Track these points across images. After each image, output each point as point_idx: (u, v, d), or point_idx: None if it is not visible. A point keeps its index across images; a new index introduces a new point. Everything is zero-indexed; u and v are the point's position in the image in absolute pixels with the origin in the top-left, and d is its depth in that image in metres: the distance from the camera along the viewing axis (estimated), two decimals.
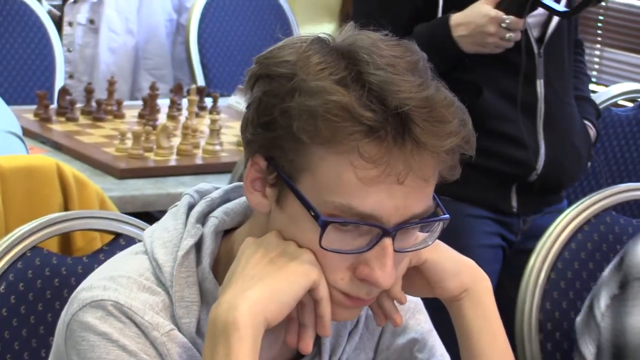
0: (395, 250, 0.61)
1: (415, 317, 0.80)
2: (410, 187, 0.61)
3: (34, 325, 0.96)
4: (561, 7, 1.24)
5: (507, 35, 1.18)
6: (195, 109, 1.83)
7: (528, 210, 1.32)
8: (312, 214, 0.61)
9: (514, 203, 1.29)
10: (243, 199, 0.72)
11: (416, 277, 0.71)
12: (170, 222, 0.75)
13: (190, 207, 0.74)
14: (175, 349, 0.70)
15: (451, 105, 0.61)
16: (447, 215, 0.65)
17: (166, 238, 0.73)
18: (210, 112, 1.84)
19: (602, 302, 1.03)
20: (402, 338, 0.80)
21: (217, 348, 0.63)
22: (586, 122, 1.38)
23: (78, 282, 0.73)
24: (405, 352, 0.80)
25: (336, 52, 0.63)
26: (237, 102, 1.91)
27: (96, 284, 0.70)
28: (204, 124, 1.79)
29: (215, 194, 0.75)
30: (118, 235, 1.02)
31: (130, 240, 0.98)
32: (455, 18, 1.19)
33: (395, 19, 1.19)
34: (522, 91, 1.27)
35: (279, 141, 0.63)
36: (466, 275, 0.74)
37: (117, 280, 0.69)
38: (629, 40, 2.09)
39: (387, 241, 0.61)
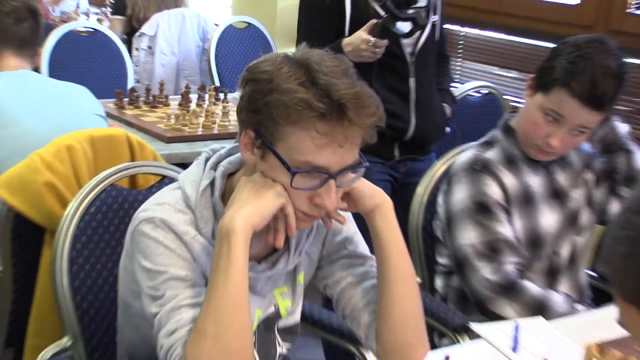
0: (337, 186, 0.90)
1: (347, 224, 1.07)
2: (346, 149, 0.89)
3: (113, 233, 1.24)
4: (403, 31, 1.68)
5: (375, 50, 1.65)
6: (213, 100, 2.53)
7: (405, 158, 1.84)
8: (286, 167, 0.88)
9: (396, 154, 1.82)
10: (240, 154, 0.98)
11: (347, 199, 0.98)
12: (194, 169, 1.03)
13: (207, 159, 1.03)
14: (198, 247, 0.98)
15: (370, 96, 0.90)
16: (367, 164, 0.94)
17: (192, 179, 1.01)
18: (222, 102, 2.50)
19: (440, 199, 1.42)
20: (338, 237, 1.11)
21: (222, 246, 0.89)
22: (444, 104, 1.91)
23: (138, 207, 1.02)
24: (340, 246, 1.11)
25: (297, 64, 0.89)
26: (239, 95, 2.86)
27: (149, 208, 0.99)
28: (219, 109, 2.43)
29: (223, 151, 1.04)
30: (164, 177, 1.32)
31: (172, 180, 1.23)
32: (344, 40, 1.69)
33: (325, 39, 1.63)
34: (399, 85, 1.80)
35: (262, 121, 0.89)
36: (377, 197, 1.01)
37: (162, 205, 0.98)
38: (480, 56, 3.11)
39: (332, 182, 0.90)
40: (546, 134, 1.28)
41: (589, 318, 1.31)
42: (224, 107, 2.34)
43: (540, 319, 1.24)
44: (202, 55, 3.13)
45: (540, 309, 1.28)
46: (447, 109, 1.93)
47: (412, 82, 1.82)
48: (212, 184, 0.98)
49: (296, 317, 1.10)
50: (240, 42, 3.07)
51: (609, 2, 2.45)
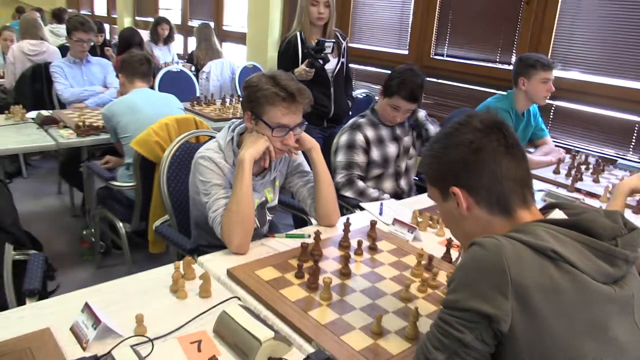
0: (293, 135, 1.76)
1: (298, 157, 1.98)
2: (296, 115, 1.75)
3: (186, 164, 2.21)
4: (318, 65, 2.98)
5: (308, 74, 2.91)
6: (235, 102, 4.09)
7: (331, 126, 3.14)
8: (269, 127, 1.71)
9: (325, 124, 3.15)
10: (245, 124, 1.79)
11: (298, 142, 1.80)
12: (224, 132, 1.88)
13: (229, 127, 1.90)
14: (226, 169, 1.81)
15: (305, 90, 1.76)
16: (306, 123, 1.82)
17: (223, 136, 1.83)
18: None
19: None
20: (295, 163, 2.00)
21: (239, 168, 1.67)
22: (348, 100, 3.23)
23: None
24: (296, 167, 1.99)
25: (271, 77, 1.76)
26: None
27: (202, 151, 1.81)
28: (239, 106, 3.87)
29: (237, 122, 1.86)
30: (211, 137, 2.33)
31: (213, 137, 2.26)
32: (295, 70, 2.94)
33: (289, 66, 2.92)
34: (326, 91, 3.13)
35: (255, 106, 1.75)
36: (313, 142, 1.86)
37: (208, 150, 1.79)
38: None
39: (291, 132, 1.73)
40: (393, 115, 2.47)
41: (417, 199, 2.36)
42: (239, 105, 3.87)
43: (392, 200, 2.31)
44: (232, 81, 5.08)
45: (362, 195, 2.46)
46: (349, 103, 3.42)
47: (332, 90, 3.26)
48: (232, 139, 1.86)
49: (275, 202, 2.07)
50: (249, 74, 5.56)
51: (422, 53, 4.42)
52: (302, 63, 3.07)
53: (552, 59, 3.22)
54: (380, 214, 2.15)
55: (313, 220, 2.31)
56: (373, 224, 1.88)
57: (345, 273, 1.58)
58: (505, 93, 3.14)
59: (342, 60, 3.29)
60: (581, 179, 2.76)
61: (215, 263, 1.63)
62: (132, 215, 2.72)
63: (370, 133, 2.54)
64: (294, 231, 1.90)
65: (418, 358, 1.01)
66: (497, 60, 4.04)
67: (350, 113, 3.38)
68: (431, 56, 4.49)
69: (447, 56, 4.37)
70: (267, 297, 1.43)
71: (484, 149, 1.07)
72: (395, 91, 2.42)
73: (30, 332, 1.21)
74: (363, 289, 1.52)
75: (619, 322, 0.94)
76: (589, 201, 2.46)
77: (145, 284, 1.49)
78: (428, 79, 4.46)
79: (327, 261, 1.67)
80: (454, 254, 1.78)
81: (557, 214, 1.09)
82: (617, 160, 3.24)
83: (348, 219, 1.83)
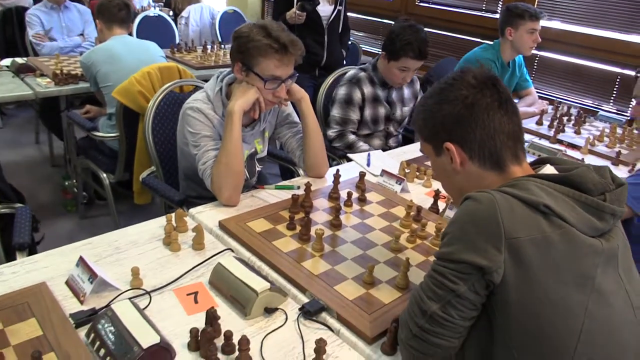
0: (285, 86, 1.73)
1: (287, 108, 1.96)
2: (288, 67, 1.71)
3: (171, 114, 2.20)
4: (309, 8, 2.96)
5: (299, 17, 2.86)
6: (216, 49, 3.97)
7: (322, 75, 3.00)
8: (261, 78, 1.66)
9: (316, 72, 3.10)
10: (233, 74, 1.75)
11: (289, 93, 1.80)
12: (212, 82, 1.84)
13: (218, 77, 1.85)
14: (215, 120, 1.78)
15: (298, 41, 1.71)
16: (297, 74, 1.78)
17: (211, 86, 1.83)
18: (222, 50, 3.99)
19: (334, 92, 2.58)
20: (284, 113, 1.98)
21: (229, 119, 1.64)
22: (343, 49, 3.19)
23: (183, 103, 1.98)
24: (286, 118, 1.97)
25: (260, 27, 1.71)
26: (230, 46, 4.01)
27: (190, 101, 1.77)
28: (221, 53, 3.88)
29: (225, 72, 1.85)
30: (196, 87, 2.28)
31: (201, 87, 2.23)
32: (287, 13, 2.94)
33: (283, 9, 2.93)
34: (319, 38, 3.08)
35: (246, 57, 1.70)
36: (302, 93, 1.84)
37: (196, 100, 1.78)
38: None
39: (283, 84, 1.72)
40: (403, 77, 2.41)
41: (404, 150, 2.38)
42: (223, 53, 3.79)
43: (380, 151, 2.31)
44: (212, 27, 4.91)
45: (351, 148, 2.48)
46: (343, 53, 3.42)
47: (326, 37, 3.13)
48: (221, 89, 1.80)
49: (265, 153, 2.05)
50: (229, 19, 4.96)
51: (407, 0, 4.46)
52: (296, 5, 3.03)
53: (538, 8, 3.18)
54: (368, 165, 2.16)
55: (301, 171, 2.31)
56: (362, 175, 1.88)
57: (335, 224, 1.60)
58: (491, 43, 3.10)
59: (338, 7, 3.22)
60: (563, 131, 2.79)
61: (206, 215, 1.63)
62: (116, 166, 2.68)
63: (367, 90, 2.51)
64: (283, 182, 1.90)
65: (411, 308, 1.04)
66: (483, 8, 3.98)
67: (345, 63, 3.36)
68: (417, 3, 4.39)
69: (433, 3, 4.29)
70: (260, 248, 1.44)
71: (478, 104, 1.07)
72: (402, 53, 2.36)
73: (26, 286, 1.21)
74: (354, 240, 1.54)
75: (604, 273, 0.97)
76: (571, 152, 2.50)
77: (136, 237, 1.48)
78: None
79: (317, 212, 1.67)
80: (441, 205, 1.80)
81: (549, 169, 1.10)
82: (597, 112, 3.28)
83: (338, 170, 1.83)
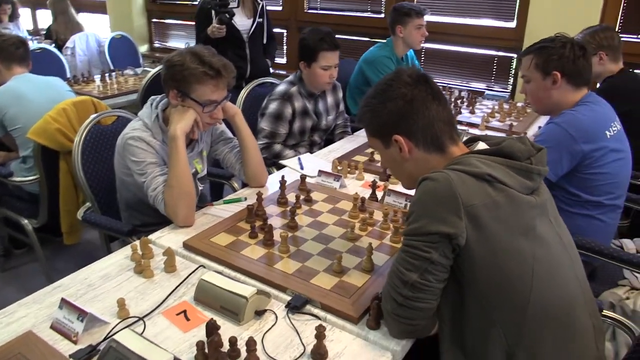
0: (221, 107, 1.81)
1: (221, 126, 2.03)
2: (224, 90, 1.79)
3: (99, 147, 2.16)
4: (227, 17, 3.08)
5: (220, 31, 2.99)
6: (114, 76, 4.05)
7: (250, 80, 3.06)
8: (199, 104, 1.72)
9: (243, 85, 3.05)
10: (166, 100, 1.83)
11: (223, 111, 1.87)
12: (147, 109, 1.86)
13: (152, 104, 1.87)
14: (157, 146, 1.79)
15: (230, 64, 1.77)
16: (230, 94, 1.84)
17: (147, 114, 1.84)
18: (119, 77, 3.97)
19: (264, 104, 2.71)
20: (218, 131, 2.04)
21: (172, 144, 1.70)
22: (267, 60, 3.40)
23: (109, 135, 2.11)
24: (220, 135, 2.04)
25: (194, 55, 1.74)
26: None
27: (130, 132, 1.77)
28: (120, 80, 3.87)
29: (158, 99, 1.89)
30: (118, 117, 2.26)
31: (125, 117, 2.25)
32: (208, 29, 3.05)
33: (205, 26, 3.06)
34: (241, 52, 3.21)
35: (181, 84, 1.73)
36: (236, 109, 1.93)
37: (135, 130, 1.78)
38: None
39: (219, 106, 1.79)
40: (329, 75, 2.54)
41: (329, 149, 2.54)
42: (124, 79, 3.84)
43: (308, 154, 2.46)
44: (101, 55, 4.93)
45: (278, 157, 2.56)
46: (268, 62, 3.54)
47: (247, 51, 3.29)
48: (157, 116, 1.84)
49: (205, 172, 2.10)
50: (119, 45, 4.99)
51: (296, 7, 4.63)
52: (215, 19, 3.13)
53: (421, 5, 3.50)
54: (302, 168, 2.29)
55: (235, 184, 2.39)
56: (303, 178, 2.01)
57: (292, 226, 1.71)
58: (384, 41, 3.37)
59: (258, 20, 3.33)
60: (460, 112, 3.12)
61: (167, 239, 1.66)
62: (38, 210, 2.56)
63: (298, 104, 2.63)
64: (230, 196, 1.97)
65: (392, 282, 1.19)
66: (369, 9, 4.27)
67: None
68: (305, 10, 4.59)
69: (321, 9, 4.51)
70: (232, 260, 1.51)
71: (416, 98, 1.24)
72: (318, 49, 2.50)
73: (12, 338, 1.19)
74: (313, 237, 1.66)
75: (541, 222, 1.18)
76: (472, 130, 2.81)
77: (106, 272, 1.49)
78: None
79: (272, 218, 1.77)
80: (379, 194, 1.98)
81: (481, 145, 1.30)
82: (484, 92, 3.68)
83: (283, 176, 1.94)
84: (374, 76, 3.24)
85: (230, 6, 3.09)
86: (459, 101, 3.32)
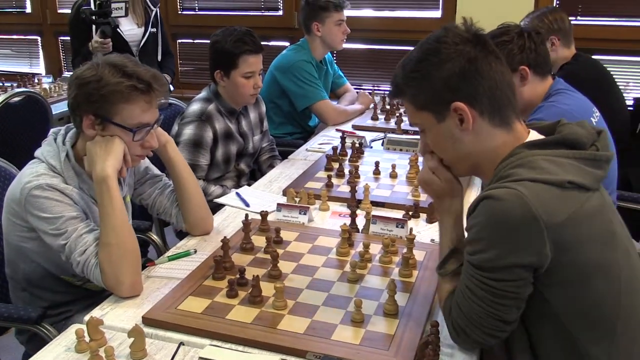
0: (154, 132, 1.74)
1: (144, 161, 1.94)
2: (155, 108, 1.70)
3: None
4: (109, 28, 3.06)
5: (103, 46, 2.97)
6: None
7: None
8: (128, 130, 1.63)
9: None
10: (73, 130, 1.72)
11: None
12: (49, 147, 1.71)
13: (55, 139, 1.72)
14: (75, 195, 1.65)
15: (158, 73, 1.72)
16: (162, 116, 1.78)
17: (51, 154, 1.69)
18: None
19: (175, 126, 2.63)
20: (141, 168, 1.95)
21: (102, 188, 1.60)
22: (166, 74, 3.34)
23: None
24: (144, 172, 1.96)
25: (113, 66, 1.63)
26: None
27: (31, 180, 1.62)
28: None
29: (62, 131, 1.73)
30: None
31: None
32: (90, 43, 3.07)
33: (82, 37, 3.08)
34: None
35: (99, 107, 1.62)
36: (166, 135, 1.87)
37: (40, 176, 1.62)
38: None
39: (152, 130, 1.74)
40: (253, 85, 2.59)
41: (268, 178, 2.56)
42: None
43: (246, 187, 2.46)
44: None
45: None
46: (168, 78, 3.31)
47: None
48: (67, 154, 1.72)
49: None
50: None
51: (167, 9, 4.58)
52: (96, 31, 3.03)
53: None
54: (247, 205, 2.26)
55: (153, 237, 2.33)
56: (264, 215, 1.99)
57: (275, 275, 1.69)
58: (299, 43, 3.47)
59: (151, 30, 3.30)
60: (402, 120, 3.28)
61: (113, 317, 1.55)
62: None
63: (220, 125, 2.60)
64: (173, 250, 1.90)
65: (488, 324, 1.25)
66: (262, 7, 4.37)
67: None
68: (178, 12, 4.57)
69: (200, 10, 4.52)
70: (221, 328, 1.45)
71: (479, 57, 1.30)
72: (238, 53, 2.52)
73: None
74: (307, 285, 1.66)
75: (614, 221, 1.30)
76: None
77: None
78: (181, 40, 4.57)
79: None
80: (360, 222, 2.03)
81: (534, 135, 1.37)
82: None
83: (247, 215, 1.90)
84: (293, 86, 3.32)
85: (114, 15, 3.02)
86: (393, 106, 3.48)
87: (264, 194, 2.37)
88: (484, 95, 1.30)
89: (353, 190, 2.22)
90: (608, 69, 3.13)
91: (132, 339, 1.39)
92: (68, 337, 1.46)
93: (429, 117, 1.34)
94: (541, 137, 1.36)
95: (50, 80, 4.43)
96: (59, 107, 3.69)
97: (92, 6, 3.04)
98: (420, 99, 1.34)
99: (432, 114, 1.34)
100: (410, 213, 2.11)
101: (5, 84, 4.11)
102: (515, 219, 1.18)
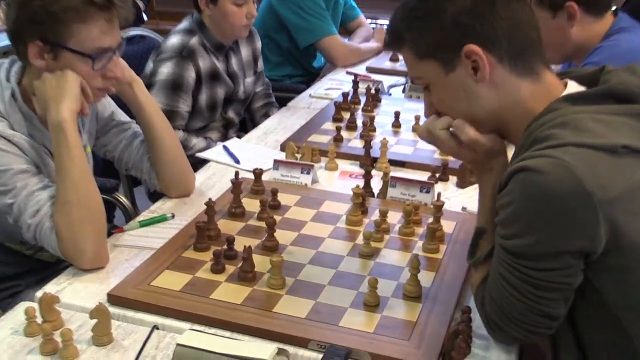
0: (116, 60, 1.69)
1: (108, 103, 1.94)
2: (117, 30, 1.65)
3: None
4: None
5: None
6: None
7: None
8: (86, 56, 1.58)
9: None
10: (18, 64, 1.68)
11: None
12: None
13: None
14: (25, 144, 1.61)
15: None
16: (125, 40, 1.73)
17: None
18: None
19: (150, 64, 2.62)
20: (106, 113, 1.93)
21: (59, 134, 1.56)
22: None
23: None
24: (108, 119, 1.93)
25: None
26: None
27: None
28: None
29: (6, 65, 1.70)
30: None
31: None
32: None
33: None
34: None
35: (48, 29, 1.55)
36: (132, 72, 1.83)
37: None
38: None
39: (114, 57, 1.68)
40: (246, 13, 2.53)
41: (263, 129, 2.54)
42: None
43: (235, 140, 2.43)
44: None
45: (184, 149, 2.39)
46: (140, 4, 3.44)
47: None
48: (12, 93, 1.68)
49: None
50: None
51: None
52: None
53: None
54: (237, 162, 2.23)
55: (121, 198, 2.34)
56: (258, 174, 1.95)
57: (271, 247, 1.66)
58: None
59: None
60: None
61: (72, 292, 1.54)
62: None
63: (204, 64, 2.56)
64: (146, 214, 1.87)
65: (534, 321, 1.22)
66: None
67: None
68: None
69: None
70: (201, 310, 1.44)
71: None
72: None
73: None
74: (310, 259, 1.64)
75: None
76: None
77: None
78: None
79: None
80: (375, 184, 1.99)
81: (573, 86, 1.33)
82: None
83: (237, 173, 1.88)
84: (295, 17, 3.28)
85: None
86: None
87: (258, 148, 2.34)
88: (504, 37, 1.26)
89: (367, 146, 2.20)
90: None
91: (94, 321, 1.38)
92: (15, 317, 1.45)
93: (435, 67, 1.29)
94: (582, 88, 1.31)
95: None
96: (2, 39, 3.54)
97: None
98: (424, 43, 1.29)
99: (439, 62, 1.29)
100: (437, 175, 2.08)
101: None
102: (562, 197, 1.12)
